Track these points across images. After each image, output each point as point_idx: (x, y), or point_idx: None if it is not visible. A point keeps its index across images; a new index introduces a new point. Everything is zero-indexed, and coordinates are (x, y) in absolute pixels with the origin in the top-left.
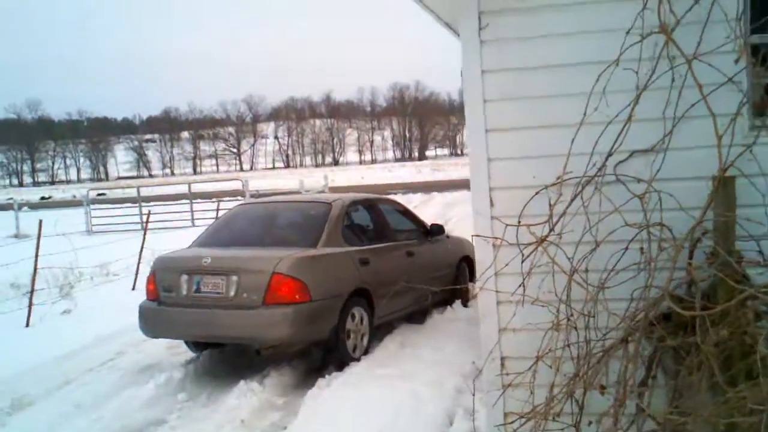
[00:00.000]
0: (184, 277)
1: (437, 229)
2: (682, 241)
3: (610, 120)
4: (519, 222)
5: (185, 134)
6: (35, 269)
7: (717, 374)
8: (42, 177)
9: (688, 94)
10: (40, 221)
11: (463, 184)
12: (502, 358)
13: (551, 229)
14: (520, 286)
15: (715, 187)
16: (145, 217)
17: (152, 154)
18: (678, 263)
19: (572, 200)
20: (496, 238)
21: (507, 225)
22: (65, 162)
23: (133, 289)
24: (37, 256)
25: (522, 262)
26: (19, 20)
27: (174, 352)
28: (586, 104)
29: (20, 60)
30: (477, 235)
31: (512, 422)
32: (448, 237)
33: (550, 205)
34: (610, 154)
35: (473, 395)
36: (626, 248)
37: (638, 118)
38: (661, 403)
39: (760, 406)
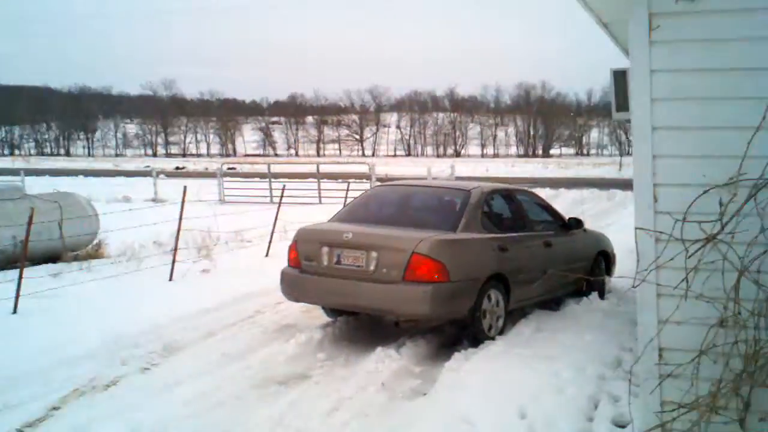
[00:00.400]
0: (325, 249)
1: (575, 223)
2: None
3: None
4: (684, 218)
5: (310, 119)
6: (179, 229)
7: None
8: (174, 149)
9: None
10: (185, 186)
11: (590, 183)
12: (660, 349)
13: (722, 227)
14: (682, 280)
15: None
16: (274, 191)
17: (278, 135)
18: None
19: (746, 201)
20: (661, 232)
21: (676, 221)
22: (196, 137)
23: (267, 255)
24: (181, 217)
25: (687, 257)
26: (158, 2)
27: (310, 315)
28: (766, 108)
29: (157, 41)
30: (641, 228)
31: (672, 410)
32: (585, 231)
33: (720, 204)
34: None
35: (630, 380)
36: None
37: None
38: None
39: None
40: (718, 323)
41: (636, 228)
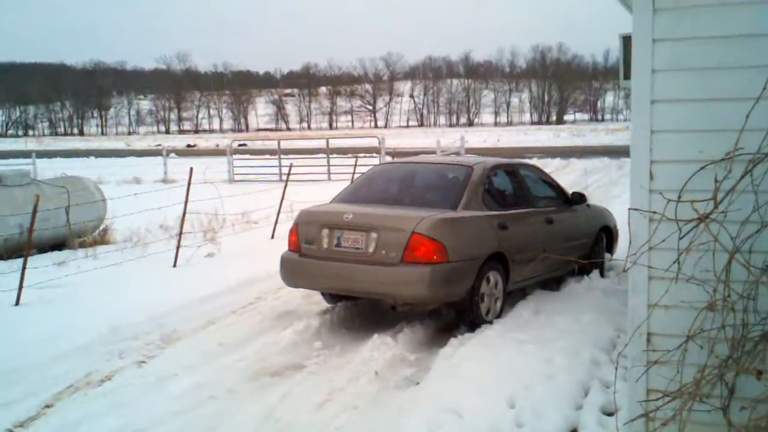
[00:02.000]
0: (326, 231)
1: (578, 198)
2: None
3: None
4: (679, 197)
5: (323, 90)
6: (184, 213)
7: None
8: (187, 125)
9: None
10: (191, 168)
11: (603, 151)
12: (649, 334)
13: (716, 206)
14: (674, 262)
15: None
16: (284, 169)
17: (290, 108)
18: None
19: (742, 177)
20: (654, 212)
21: (669, 200)
22: (209, 112)
23: (272, 237)
24: (186, 201)
25: (680, 238)
26: None
27: (310, 301)
28: (767, 78)
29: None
30: (634, 209)
31: (656, 399)
32: (588, 206)
33: (716, 181)
34: None
35: (616, 368)
36: None
37: None
38: None
39: None
40: (708, 307)
41: (629, 209)
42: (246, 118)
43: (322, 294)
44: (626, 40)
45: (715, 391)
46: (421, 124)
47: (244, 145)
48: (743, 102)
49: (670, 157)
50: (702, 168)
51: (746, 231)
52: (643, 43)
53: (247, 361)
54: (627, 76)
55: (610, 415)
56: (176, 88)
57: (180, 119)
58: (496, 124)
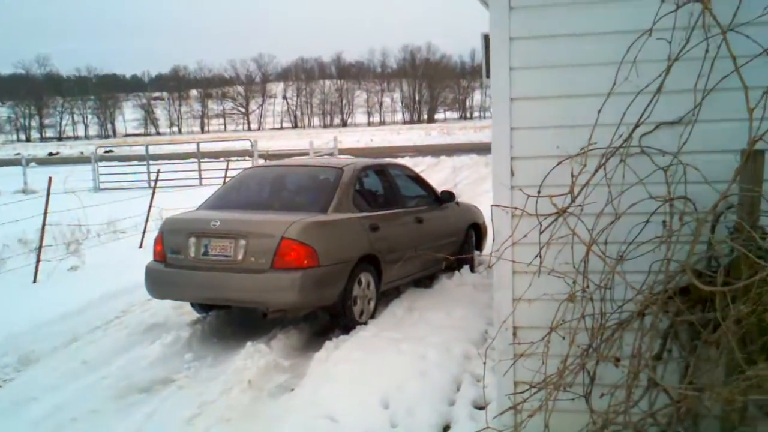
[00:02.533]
0: (192, 240)
1: (447, 196)
2: (705, 214)
3: (639, 90)
4: (539, 192)
5: (194, 92)
6: (43, 225)
7: (735, 351)
8: (50, 133)
9: (721, 65)
10: (50, 178)
11: (471, 148)
12: (515, 328)
13: (573, 200)
14: (536, 256)
15: (743, 161)
16: (153, 176)
17: (160, 112)
18: (700, 237)
19: (596, 171)
20: (515, 208)
21: (529, 196)
22: (73, 118)
23: (141, 247)
24: (45, 212)
25: (540, 233)
26: None
27: (180, 312)
28: (616, 74)
29: (29, 15)
30: (496, 205)
31: (523, 392)
32: (457, 204)
33: (572, 176)
34: (637, 126)
35: (484, 363)
36: (647, 221)
37: (668, 90)
38: (675, 378)
39: None
40: (568, 298)
41: (492, 205)
42: (113, 124)
43: (192, 304)
44: (487, 40)
45: (578, 380)
46: (295, 126)
47: (111, 151)
48: (595, 98)
49: (529, 153)
50: (559, 163)
51: (601, 223)
52: (500, 41)
53: (112, 378)
54: (489, 75)
55: (481, 408)
56: (37, 93)
57: (42, 126)
58: (369, 124)
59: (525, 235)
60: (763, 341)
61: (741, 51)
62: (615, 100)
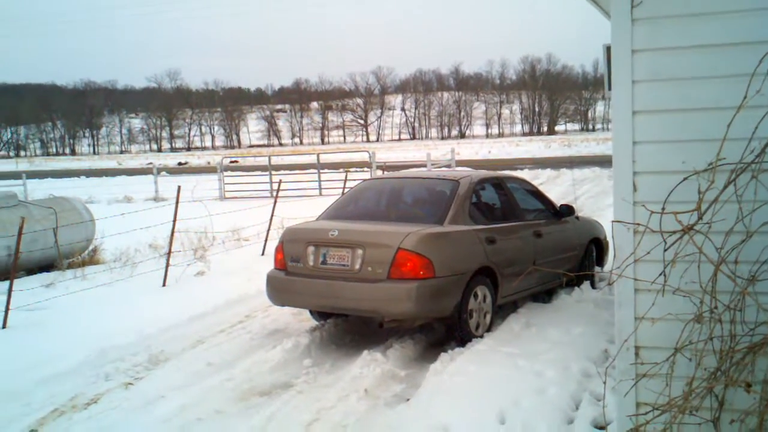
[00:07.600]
0: (311, 248)
1: (566, 210)
2: None
3: None
4: (663, 209)
5: (314, 105)
6: (172, 232)
7: None
8: (179, 143)
9: None
10: (179, 186)
11: (593, 161)
12: (637, 347)
13: (700, 217)
14: (660, 274)
15: None
16: (275, 185)
17: (282, 124)
18: None
19: (725, 187)
20: (638, 224)
21: (652, 212)
22: (201, 129)
23: (262, 254)
24: (174, 219)
25: (665, 250)
26: None
27: (299, 318)
28: (747, 86)
29: (163, 32)
30: (617, 221)
31: (645, 413)
32: (577, 218)
33: (699, 191)
34: None
35: (605, 382)
36: None
37: None
38: None
39: None
40: (695, 319)
41: (613, 221)
42: (238, 135)
43: (310, 312)
44: (609, 51)
45: (705, 404)
46: (413, 137)
47: (236, 161)
48: (724, 111)
49: (652, 168)
50: (685, 179)
51: (731, 241)
52: (622, 53)
53: (235, 381)
54: (611, 87)
55: (601, 428)
56: (167, 106)
57: (172, 137)
58: (487, 135)
59: (648, 252)
60: None
61: None
62: (745, 114)
